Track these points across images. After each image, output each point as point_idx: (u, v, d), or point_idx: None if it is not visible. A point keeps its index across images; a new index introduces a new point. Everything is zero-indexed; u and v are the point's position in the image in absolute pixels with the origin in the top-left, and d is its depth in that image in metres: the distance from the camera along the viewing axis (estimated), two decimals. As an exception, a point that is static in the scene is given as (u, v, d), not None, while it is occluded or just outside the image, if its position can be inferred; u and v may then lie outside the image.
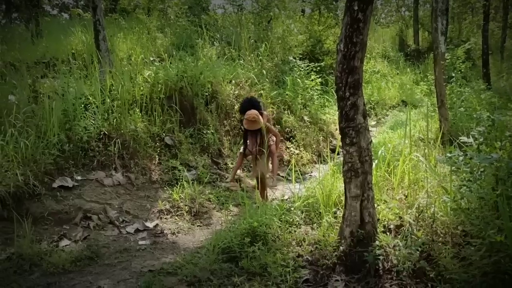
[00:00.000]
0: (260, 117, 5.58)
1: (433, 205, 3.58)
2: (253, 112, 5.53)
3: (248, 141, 5.76)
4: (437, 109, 7.70)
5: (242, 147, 5.88)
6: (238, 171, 6.69)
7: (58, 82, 6.77)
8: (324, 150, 8.68)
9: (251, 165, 6.41)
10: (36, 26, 10.35)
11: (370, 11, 3.26)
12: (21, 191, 4.87)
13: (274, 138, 5.87)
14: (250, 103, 5.80)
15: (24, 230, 4.44)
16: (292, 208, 4.31)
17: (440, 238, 3.33)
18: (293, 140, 8.58)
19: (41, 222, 4.86)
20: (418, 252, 3.22)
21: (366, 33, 3.31)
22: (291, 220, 4.13)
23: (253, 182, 6.12)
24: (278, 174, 6.70)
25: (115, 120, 6.30)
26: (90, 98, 6.35)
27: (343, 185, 3.58)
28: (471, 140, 3.92)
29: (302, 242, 3.80)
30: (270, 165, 5.87)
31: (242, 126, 5.84)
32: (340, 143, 3.51)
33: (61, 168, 5.49)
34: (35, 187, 5.00)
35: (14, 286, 3.75)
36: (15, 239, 4.34)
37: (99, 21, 7.17)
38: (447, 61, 8.38)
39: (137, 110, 6.69)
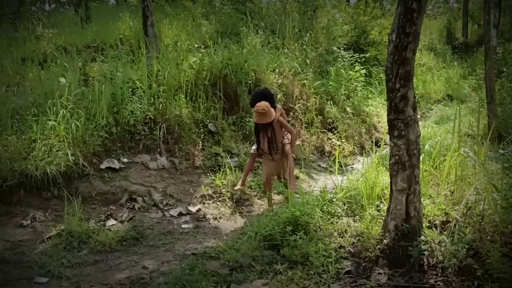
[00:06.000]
0: (272, 109, 5.12)
1: (481, 202, 3.49)
2: (262, 104, 5.01)
3: (260, 138, 5.27)
4: (485, 104, 7.46)
5: (253, 147, 5.47)
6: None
7: (106, 66, 6.94)
8: (367, 142, 8.57)
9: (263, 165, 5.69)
10: (86, 10, 10.61)
11: (425, 0, 3.18)
12: (71, 170, 5.07)
13: (290, 136, 5.35)
14: (262, 95, 5.23)
15: (73, 208, 4.62)
16: (334, 200, 4.27)
17: (489, 236, 3.24)
18: (335, 131, 8.51)
19: (89, 202, 5.04)
20: (465, 249, 3.14)
21: (420, 23, 3.23)
22: (333, 211, 4.10)
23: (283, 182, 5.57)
24: (296, 177, 6.18)
25: (160, 105, 6.42)
26: (137, 83, 6.49)
27: (388, 178, 3.53)
28: (525, 137, 3.79)
29: (344, 233, 3.77)
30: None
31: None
32: (385, 136, 3.46)
33: (108, 150, 5.67)
34: (84, 168, 5.18)
35: (63, 261, 3.92)
36: (65, 217, 4.53)
37: (148, 7, 7.29)
38: (498, 55, 8.09)
39: (182, 96, 6.79)
